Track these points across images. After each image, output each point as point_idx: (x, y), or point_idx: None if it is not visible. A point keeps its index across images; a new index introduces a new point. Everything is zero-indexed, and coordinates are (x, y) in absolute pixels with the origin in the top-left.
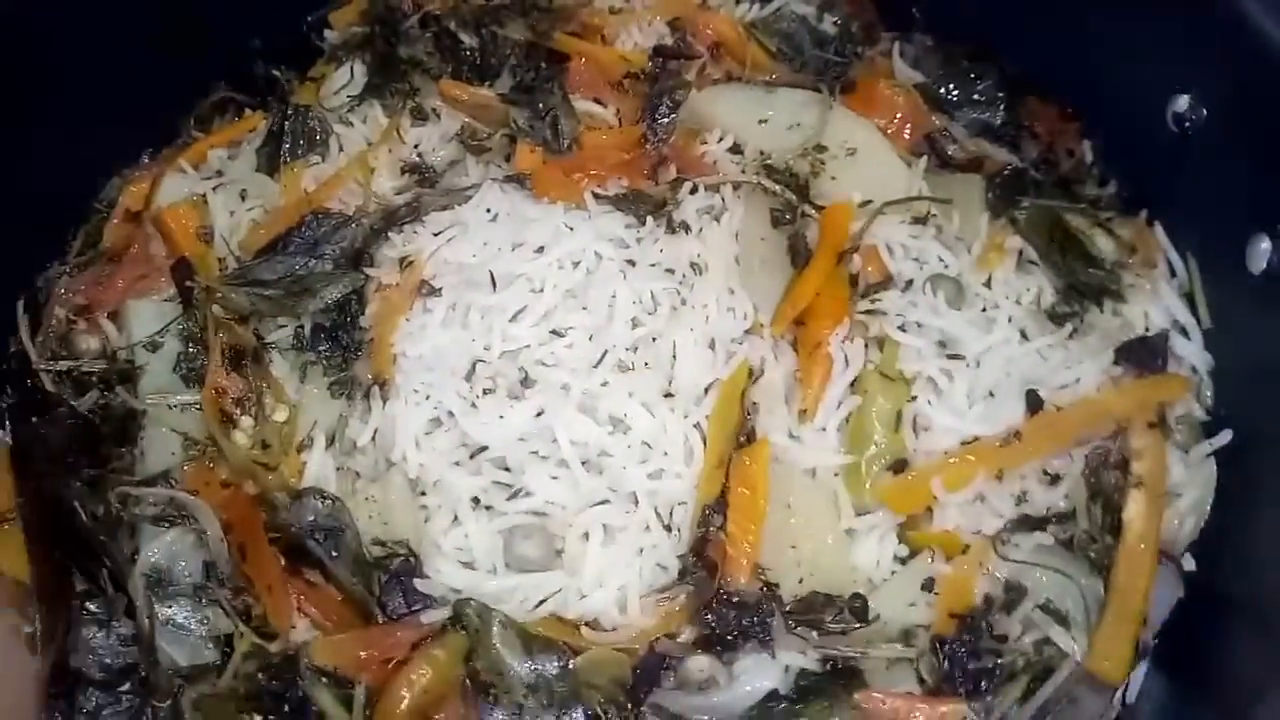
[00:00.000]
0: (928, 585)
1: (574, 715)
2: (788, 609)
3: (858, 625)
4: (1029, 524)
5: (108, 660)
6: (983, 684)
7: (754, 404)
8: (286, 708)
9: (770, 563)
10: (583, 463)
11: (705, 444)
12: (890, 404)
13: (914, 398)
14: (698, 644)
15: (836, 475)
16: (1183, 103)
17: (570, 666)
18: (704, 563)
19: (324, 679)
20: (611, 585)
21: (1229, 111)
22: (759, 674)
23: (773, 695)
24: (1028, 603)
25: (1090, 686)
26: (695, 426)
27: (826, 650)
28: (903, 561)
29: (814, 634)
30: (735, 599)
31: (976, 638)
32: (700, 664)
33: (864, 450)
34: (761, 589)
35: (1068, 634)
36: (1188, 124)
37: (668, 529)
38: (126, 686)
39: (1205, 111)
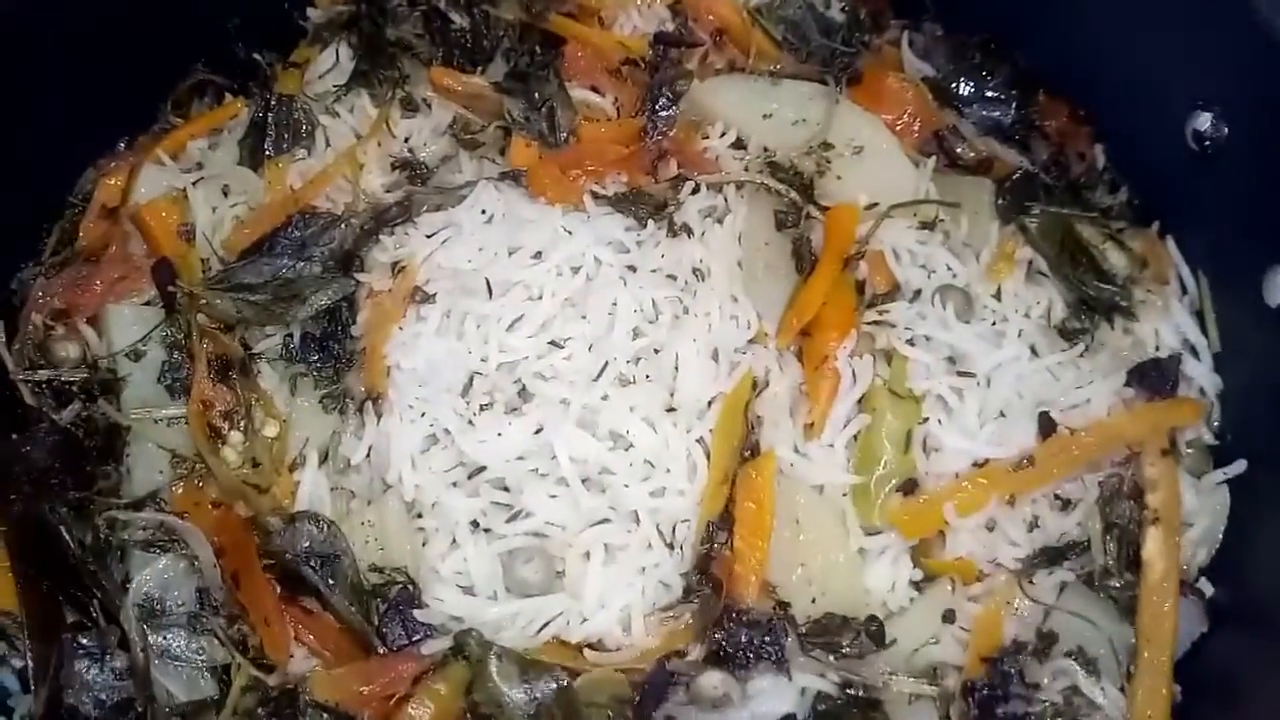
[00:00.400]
0: (948, 616)
1: None
2: (802, 630)
3: (875, 649)
4: (1047, 557)
5: (102, 697)
6: None
7: (758, 417)
8: None
9: (780, 581)
10: (583, 480)
11: (709, 459)
12: (900, 423)
13: (925, 419)
14: (708, 661)
15: (845, 495)
16: (1204, 120)
17: (567, 686)
18: (709, 580)
19: (325, 715)
20: (614, 606)
21: (1253, 136)
22: (775, 696)
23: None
24: (1058, 650)
25: None
26: (698, 441)
27: (846, 674)
28: (918, 587)
29: (830, 657)
30: (746, 617)
31: (1007, 683)
32: (714, 679)
33: (873, 470)
34: (774, 608)
35: (1097, 684)
36: (1208, 143)
37: (670, 547)
38: None
39: (1227, 131)
